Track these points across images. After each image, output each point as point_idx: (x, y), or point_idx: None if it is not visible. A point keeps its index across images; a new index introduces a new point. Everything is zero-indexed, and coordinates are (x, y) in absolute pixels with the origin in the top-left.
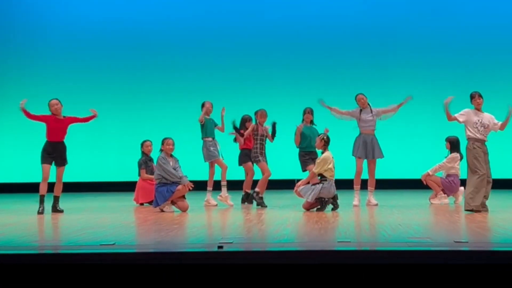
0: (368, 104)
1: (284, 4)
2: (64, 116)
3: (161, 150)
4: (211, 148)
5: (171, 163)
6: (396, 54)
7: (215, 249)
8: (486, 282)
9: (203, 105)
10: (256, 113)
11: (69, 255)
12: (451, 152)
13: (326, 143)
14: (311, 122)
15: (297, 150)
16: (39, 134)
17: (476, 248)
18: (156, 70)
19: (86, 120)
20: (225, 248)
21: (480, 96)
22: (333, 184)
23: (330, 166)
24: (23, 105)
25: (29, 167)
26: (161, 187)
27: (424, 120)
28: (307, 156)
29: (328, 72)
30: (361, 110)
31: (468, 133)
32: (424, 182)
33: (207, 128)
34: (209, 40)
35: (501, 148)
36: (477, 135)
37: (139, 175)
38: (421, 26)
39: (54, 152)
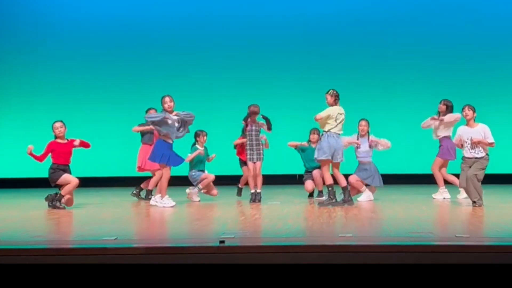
0: (367, 133)
1: (285, 1)
2: (67, 139)
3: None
4: None
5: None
6: (399, 52)
7: (217, 243)
8: (487, 277)
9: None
10: (248, 108)
11: (71, 250)
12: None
13: (336, 97)
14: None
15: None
16: (40, 129)
17: (477, 243)
18: (159, 66)
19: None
20: (227, 243)
21: (469, 108)
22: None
23: (334, 117)
24: (30, 151)
25: (30, 162)
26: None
27: (427, 116)
28: (306, 175)
29: (329, 70)
30: (358, 138)
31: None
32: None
33: None
34: (212, 36)
35: (502, 142)
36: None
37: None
38: (424, 22)
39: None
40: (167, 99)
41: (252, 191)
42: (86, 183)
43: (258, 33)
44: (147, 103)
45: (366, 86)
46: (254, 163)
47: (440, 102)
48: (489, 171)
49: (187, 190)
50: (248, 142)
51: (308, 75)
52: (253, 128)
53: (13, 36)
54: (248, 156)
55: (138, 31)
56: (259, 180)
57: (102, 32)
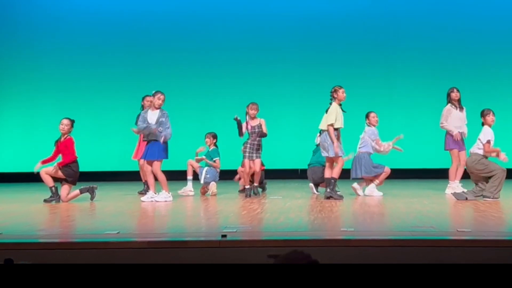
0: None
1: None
2: (65, 138)
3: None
4: None
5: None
6: (402, 47)
7: (219, 237)
8: (488, 272)
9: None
10: (247, 107)
11: (73, 244)
12: None
13: None
14: None
15: (301, 139)
16: (41, 125)
17: (479, 237)
18: (161, 62)
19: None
20: (229, 237)
21: (493, 113)
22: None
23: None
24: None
25: (32, 157)
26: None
27: (428, 110)
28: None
29: (331, 66)
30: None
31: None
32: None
33: None
34: (214, 33)
35: (505, 138)
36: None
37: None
38: (426, 17)
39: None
40: (160, 95)
41: (248, 186)
42: (88, 177)
43: (260, 30)
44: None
45: (368, 81)
46: (253, 160)
47: (453, 91)
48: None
49: (211, 185)
50: (249, 141)
51: (310, 72)
52: (255, 125)
53: (15, 31)
54: (247, 154)
55: (139, 28)
56: (257, 176)
57: (103, 29)
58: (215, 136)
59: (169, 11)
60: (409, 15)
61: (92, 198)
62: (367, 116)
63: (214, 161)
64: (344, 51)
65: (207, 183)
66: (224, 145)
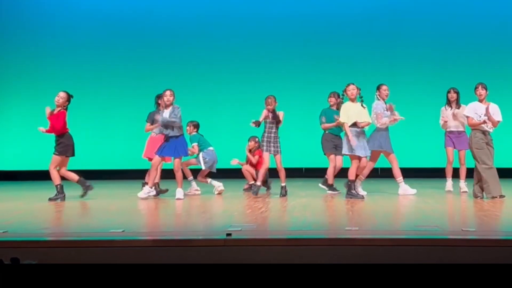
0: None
1: None
2: (58, 110)
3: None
4: None
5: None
6: (404, 47)
7: (224, 236)
8: (493, 272)
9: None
10: (265, 100)
11: (78, 242)
12: None
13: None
14: (338, 105)
15: (306, 138)
16: (45, 123)
17: (483, 237)
18: (165, 61)
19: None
20: (234, 236)
21: (483, 87)
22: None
23: (351, 113)
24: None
25: (37, 155)
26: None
27: (431, 109)
28: (332, 141)
29: (336, 64)
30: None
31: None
32: None
33: None
34: (218, 31)
35: (508, 137)
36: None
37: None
38: (428, 14)
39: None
40: (167, 92)
41: (258, 183)
42: (92, 176)
43: (263, 28)
44: (152, 97)
45: (370, 79)
46: (274, 155)
47: (449, 92)
48: (500, 164)
49: (217, 185)
50: (266, 134)
51: (314, 69)
52: (270, 120)
53: (17, 30)
54: (264, 147)
55: (143, 26)
56: (282, 173)
57: (107, 28)
58: (196, 126)
59: (172, 10)
60: (413, 13)
61: (82, 195)
62: (378, 88)
63: (192, 147)
64: (347, 48)
65: (210, 166)
66: (226, 144)
